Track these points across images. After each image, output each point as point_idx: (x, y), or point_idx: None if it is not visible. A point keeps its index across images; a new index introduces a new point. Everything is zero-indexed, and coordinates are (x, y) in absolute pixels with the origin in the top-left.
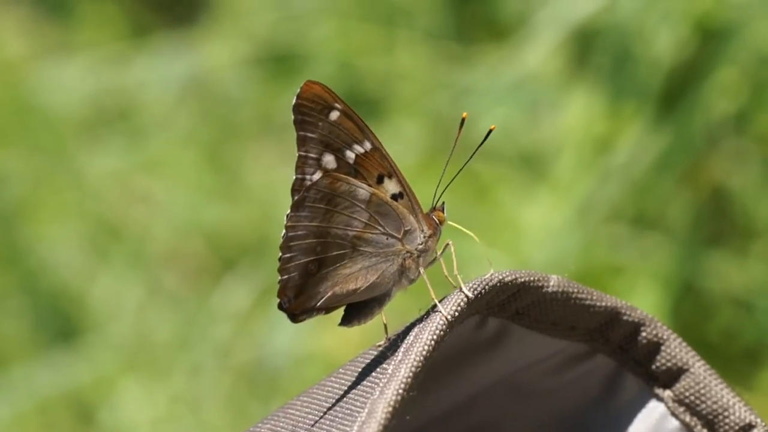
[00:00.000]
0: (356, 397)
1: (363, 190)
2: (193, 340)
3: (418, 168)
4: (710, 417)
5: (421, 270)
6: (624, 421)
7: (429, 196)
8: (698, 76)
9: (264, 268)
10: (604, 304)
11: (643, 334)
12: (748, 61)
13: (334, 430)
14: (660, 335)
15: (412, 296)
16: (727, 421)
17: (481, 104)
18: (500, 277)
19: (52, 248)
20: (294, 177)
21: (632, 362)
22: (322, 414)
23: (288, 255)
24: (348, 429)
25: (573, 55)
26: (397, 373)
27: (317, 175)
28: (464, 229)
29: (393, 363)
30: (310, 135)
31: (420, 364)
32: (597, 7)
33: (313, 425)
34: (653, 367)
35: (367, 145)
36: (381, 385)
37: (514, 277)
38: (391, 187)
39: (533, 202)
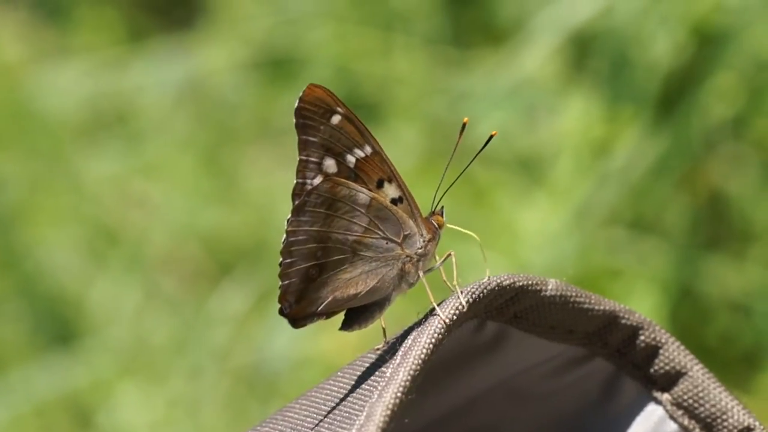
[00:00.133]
0: (354, 401)
1: (363, 194)
2: (190, 344)
3: (416, 172)
4: (709, 420)
5: (421, 274)
6: (622, 425)
7: (427, 200)
8: (696, 80)
9: (261, 271)
10: (602, 307)
11: (642, 337)
12: (745, 66)
13: None
14: (658, 339)
15: (410, 300)
16: (725, 424)
17: (479, 109)
18: (498, 281)
19: (50, 252)
20: (295, 181)
21: (630, 366)
22: (320, 417)
23: (289, 260)
24: None
25: (570, 59)
26: (396, 377)
27: (318, 180)
28: (464, 230)
29: (391, 366)
30: (311, 139)
31: (418, 367)
32: (594, 12)
33: (311, 428)
34: (651, 370)
35: (368, 150)
36: (379, 388)
37: (512, 280)
38: (390, 191)
39: (531, 206)
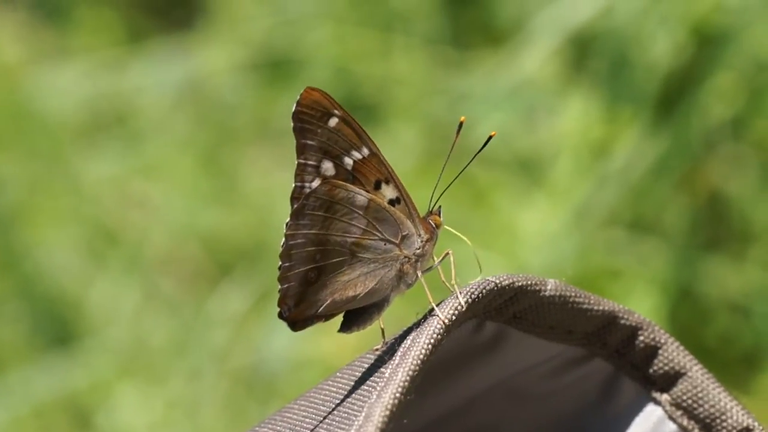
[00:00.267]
0: (353, 401)
1: (361, 196)
2: (190, 345)
3: (416, 173)
4: (708, 420)
5: (419, 274)
6: (621, 425)
7: (427, 201)
8: (695, 81)
9: (261, 272)
10: (601, 308)
11: (641, 338)
12: (745, 66)
13: None
14: (657, 339)
15: (409, 301)
16: (724, 424)
17: (478, 109)
18: (497, 281)
19: (49, 253)
20: (293, 185)
21: (629, 366)
22: (319, 418)
23: (288, 264)
24: None
25: (570, 60)
26: (395, 377)
27: (316, 183)
28: (459, 234)
29: (390, 367)
30: (309, 142)
31: (417, 367)
32: (594, 12)
33: (310, 429)
34: (651, 370)
35: (365, 151)
36: (378, 388)
37: (511, 281)
38: (388, 192)
39: (530, 207)
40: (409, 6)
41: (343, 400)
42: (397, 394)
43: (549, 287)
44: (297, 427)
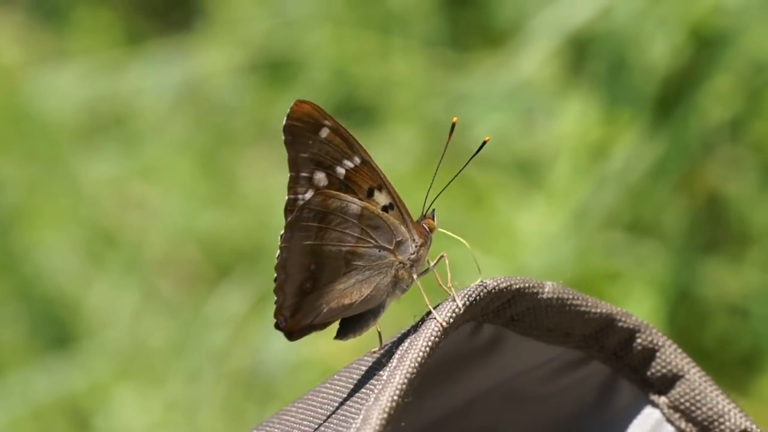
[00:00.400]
0: (351, 404)
1: (354, 205)
2: (188, 347)
3: (414, 175)
4: (706, 423)
5: (414, 278)
6: (619, 428)
7: (424, 203)
8: (693, 83)
9: (259, 274)
10: (599, 310)
11: (638, 340)
12: (743, 68)
13: None
14: (655, 342)
15: (406, 303)
16: (722, 427)
17: (477, 111)
18: (495, 284)
19: (48, 254)
20: (286, 197)
21: (627, 369)
22: (317, 420)
23: (283, 275)
24: None
25: (568, 61)
26: (392, 380)
27: (309, 194)
28: (454, 236)
29: (388, 369)
30: (301, 155)
31: (415, 370)
32: (592, 14)
33: None
34: (648, 373)
35: (357, 160)
36: (376, 391)
37: (509, 283)
38: (381, 199)
39: (529, 209)
40: (407, 8)
41: (340, 403)
42: (395, 397)
43: (546, 290)
44: (295, 430)
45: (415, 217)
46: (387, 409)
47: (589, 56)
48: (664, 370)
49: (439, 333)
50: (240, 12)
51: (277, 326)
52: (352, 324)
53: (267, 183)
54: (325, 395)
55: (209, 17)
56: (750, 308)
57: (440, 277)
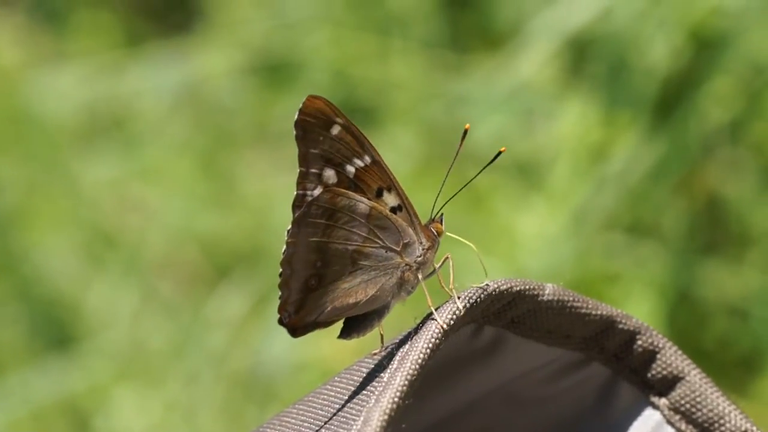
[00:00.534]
0: (352, 405)
1: (363, 204)
2: (188, 348)
3: (414, 177)
4: (706, 425)
5: (420, 279)
6: (620, 429)
7: (425, 205)
8: (693, 84)
9: (259, 275)
10: (599, 312)
11: (639, 342)
12: (743, 70)
13: None
14: (655, 344)
15: (407, 305)
16: (722, 429)
17: (476, 113)
18: (496, 286)
19: (47, 256)
20: (295, 193)
21: (628, 370)
22: (317, 422)
23: (289, 271)
24: None
25: (568, 63)
26: (393, 382)
27: (318, 190)
28: (463, 240)
29: (389, 371)
30: (312, 150)
31: (415, 372)
32: (592, 16)
33: None
34: (649, 375)
35: (367, 159)
36: (376, 393)
37: (509, 285)
38: (390, 200)
39: (529, 211)
40: (406, 9)
41: (341, 405)
42: (396, 399)
43: (547, 292)
44: None
45: (422, 220)
46: (387, 411)
47: (588, 58)
48: (664, 372)
49: (439, 335)
50: (239, 14)
51: (281, 322)
52: (356, 324)
53: (266, 184)
54: (325, 397)
55: (209, 19)
56: (750, 310)
57: (443, 278)
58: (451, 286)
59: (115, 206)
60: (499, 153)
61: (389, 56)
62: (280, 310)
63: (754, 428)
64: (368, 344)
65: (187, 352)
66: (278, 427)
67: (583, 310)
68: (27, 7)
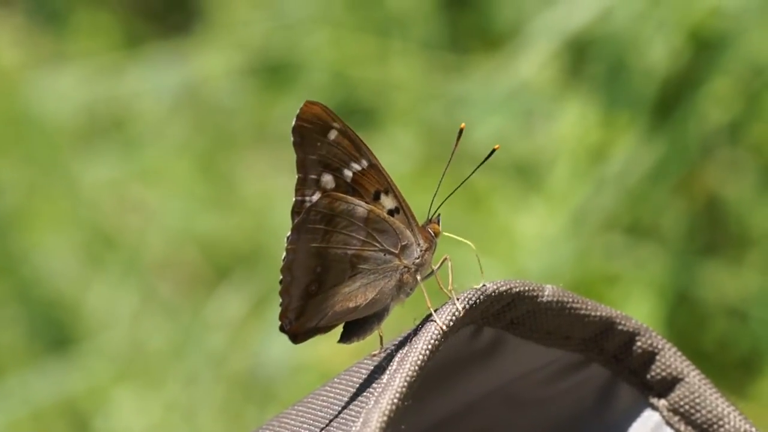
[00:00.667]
0: (351, 407)
1: (361, 208)
2: (187, 349)
3: (413, 177)
4: (705, 426)
5: (419, 281)
6: (619, 431)
7: (425, 206)
8: (692, 85)
9: (259, 276)
10: (598, 313)
11: (638, 343)
12: (742, 71)
13: None
14: (655, 345)
15: (407, 306)
16: (722, 430)
17: (476, 114)
18: (495, 287)
19: (47, 257)
20: (293, 199)
21: (627, 372)
22: (316, 423)
23: (289, 278)
24: None
25: (567, 64)
26: (392, 383)
27: (316, 196)
28: (460, 238)
29: (388, 372)
30: (310, 156)
31: (415, 373)
32: (591, 17)
33: None
34: (648, 376)
35: (364, 163)
36: (376, 394)
37: (508, 287)
38: (387, 202)
39: (528, 212)
40: (406, 10)
41: (340, 406)
42: (395, 400)
43: (546, 293)
44: None
45: (420, 221)
46: (387, 412)
47: (588, 59)
48: (663, 373)
49: (439, 336)
50: (239, 15)
51: (282, 329)
52: (356, 328)
53: (266, 185)
54: (324, 398)
55: (208, 20)
56: (749, 311)
57: (442, 280)
58: (450, 288)
59: (114, 207)
60: (493, 151)
61: (389, 57)
62: (281, 317)
63: (753, 429)
64: (367, 346)
65: (186, 352)
66: (277, 429)
67: (583, 312)
68: (26, 8)
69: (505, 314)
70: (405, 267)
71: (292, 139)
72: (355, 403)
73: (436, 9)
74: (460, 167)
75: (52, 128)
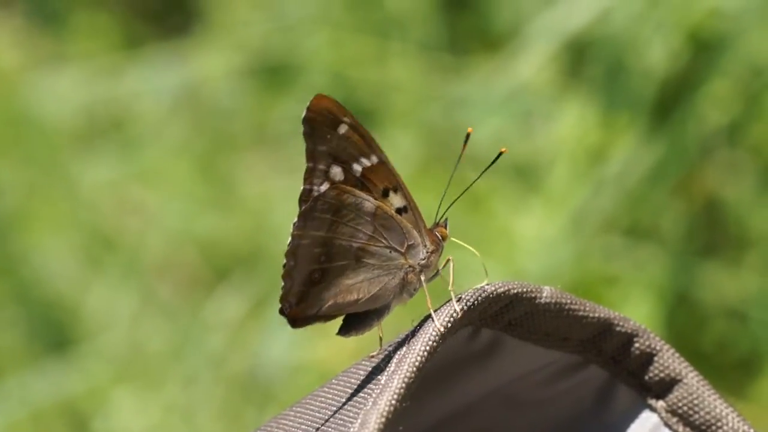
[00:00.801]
0: (349, 408)
1: (369, 203)
2: (187, 350)
3: (413, 178)
4: (703, 428)
5: (423, 282)
6: None
7: (425, 207)
8: (691, 86)
9: (258, 277)
10: (597, 315)
11: (636, 345)
12: (741, 72)
13: None
14: (653, 346)
15: (406, 307)
16: (720, 431)
17: (475, 115)
18: (493, 289)
19: (46, 258)
20: (302, 187)
21: (625, 373)
22: (315, 424)
23: (293, 262)
24: None
25: (566, 65)
26: (390, 384)
27: (324, 187)
28: (467, 246)
29: (386, 374)
30: (319, 147)
31: (413, 374)
32: (590, 18)
33: None
34: (646, 377)
35: (374, 159)
36: (374, 395)
37: (506, 288)
38: (396, 201)
39: (527, 213)
40: (405, 11)
41: (338, 407)
42: (393, 401)
43: (544, 294)
44: None
45: (427, 224)
46: (385, 414)
47: (587, 60)
48: (662, 375)
49: (437, 337)
50: (238, 16)
51: (282, 312)
52: (356, 321)
53: (265, 186)
54: (323, 399)
55: (208, 21)
56: (748, 312)
57: (445, 281)
58: (450, 288)
59: (113, 208)
60: (500, 154)
61: (388, 58)
62: (282, 300)
63: (752, 431)
64: (366, 346)
65: (185, 354)
66: (276, 429)
67: (581, 313)
68: (25, 9)
69: (503, 315)
70: (410, 266)
71: (302, 129)
72: (353, 404)
73: (436, 10)
74: (460, 169)
75: (51, 129)
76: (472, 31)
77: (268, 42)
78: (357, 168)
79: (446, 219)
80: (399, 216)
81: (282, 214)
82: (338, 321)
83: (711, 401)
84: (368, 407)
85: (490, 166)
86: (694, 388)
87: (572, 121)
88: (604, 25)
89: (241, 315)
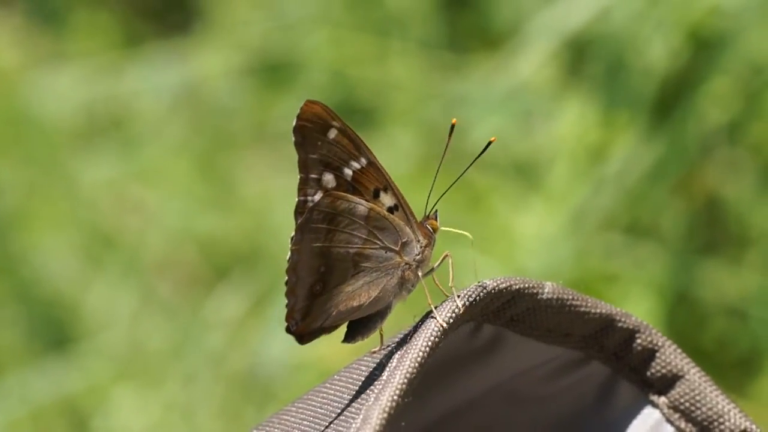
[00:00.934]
0: (351, 404)
1: (362, 206)
2: (186, 348)
3: (413, 177)
4: (705, 423)
5: (420, 277)
6: (619, 428)
7: (423, 205)
8: (691, 85)
9: (257, 276)
10: (598, 311)
11: (638, 340)
12: (741, 70)
13: None
14: (655, 342)
15: (407, 303)
16: (722, 427)
17: (475, 113)
18: (495, 284)
19: (46, 257)
20: (296, 199)
21: (627, 369)
22: (316, 420)
23: (294, 278)
24: None
25: (566, 64)
26: (392, 380)
27: (318, 195)
28: (457, 231)
29: (388, 369)
30: (311, 156)
31: (414, 370)
32: (590, 16)
33: None
34: (648, 373)
35: (363, 161)
36: (376, 391)
37: (508, 283)
38: (387, 200)
39: (527, 211)
40: (405, 10)
41: (340, 403)
42: (395, 397)
43: (546, 290)
44: (294, 430)
45: (418, 217)
46: (387, 409)
47: (587, 58)
48: (663, 371)
49: (438, 333)
50: (238, 15)
51: (289, 330)
52: (359, 327)
53: (265, 185)
54: (325, 395)
55: (207, 20)
56: (748, 310)
57: (441, 277)
58: (450, 284)
59: (113, 207)
60: (489, 143)
61: (388, 57)
62: (288, 318)
63: (753, 426)
64: (367, 343)
65: (185, 352)
66: (278, 425)
67: (583, 309)
68: (25, 8)
69: (505, 311)
70: (406, 264)
71: (293, 138)
72: (356, 400)
73: (436, 9)
74: (458, 166)
75: (51, 128)
76: (472, 29)
77: (268, 41)
78: (348, 172)
79: (436, 211)
80: (391, 215)
81: (282, 213)
82: (342, 329)
83: (713, 397)
84: (370, 403)
85: (479, 156)
86: (696, 384)
87: (572, 120)
88: (604, 23)
89: (241, 313)
